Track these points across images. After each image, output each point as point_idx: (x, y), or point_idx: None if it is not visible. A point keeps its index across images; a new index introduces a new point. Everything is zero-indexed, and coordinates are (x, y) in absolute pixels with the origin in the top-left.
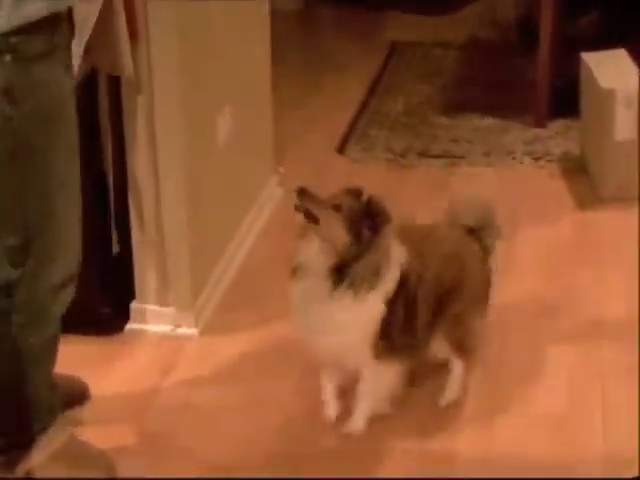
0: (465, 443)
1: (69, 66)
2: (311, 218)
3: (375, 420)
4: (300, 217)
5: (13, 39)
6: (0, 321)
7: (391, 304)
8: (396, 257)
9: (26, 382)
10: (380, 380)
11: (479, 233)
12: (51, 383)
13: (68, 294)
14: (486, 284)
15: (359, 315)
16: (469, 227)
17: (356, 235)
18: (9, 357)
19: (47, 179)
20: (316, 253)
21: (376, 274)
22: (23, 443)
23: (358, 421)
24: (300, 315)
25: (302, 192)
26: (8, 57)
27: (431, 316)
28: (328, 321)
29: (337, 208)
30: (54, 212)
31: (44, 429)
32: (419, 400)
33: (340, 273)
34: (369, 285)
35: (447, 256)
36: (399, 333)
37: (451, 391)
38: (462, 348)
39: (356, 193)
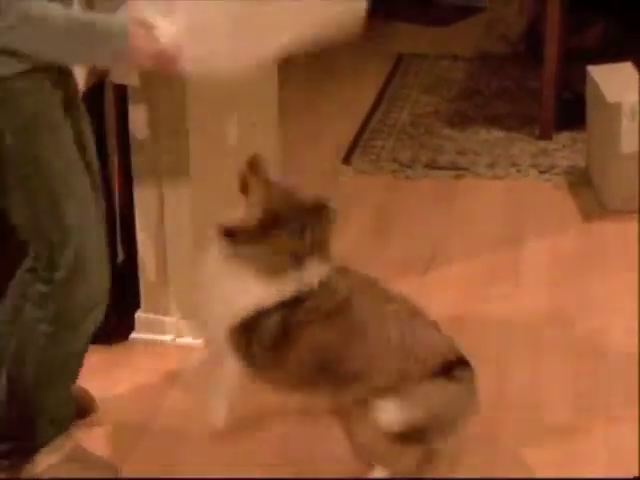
0: (467, 446)
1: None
2: (245, 188)
3: None
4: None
5: None
6: (31, 329)
7: (267, 312)
8: (309, 274)
9: (42, 392)
10: (228, 375)
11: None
12: (67, 398)
13: (97, 316)
14: None
15: (237, 291)
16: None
17: (283, 215)
18: (32, 366)
19: (52, 186)
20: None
21: (277, 267)
22: (28, 450)
23: (216, 414)
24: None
25: (253, 161)
26: None
27: (312, 370)
28: (212, 282)
29: (269, 183)
30: (66, 220)
31: (49, 440)
32: None
33: (245, 238)
34: (264, 271)
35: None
36: (263, 346)
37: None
38: (372, 456)
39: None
